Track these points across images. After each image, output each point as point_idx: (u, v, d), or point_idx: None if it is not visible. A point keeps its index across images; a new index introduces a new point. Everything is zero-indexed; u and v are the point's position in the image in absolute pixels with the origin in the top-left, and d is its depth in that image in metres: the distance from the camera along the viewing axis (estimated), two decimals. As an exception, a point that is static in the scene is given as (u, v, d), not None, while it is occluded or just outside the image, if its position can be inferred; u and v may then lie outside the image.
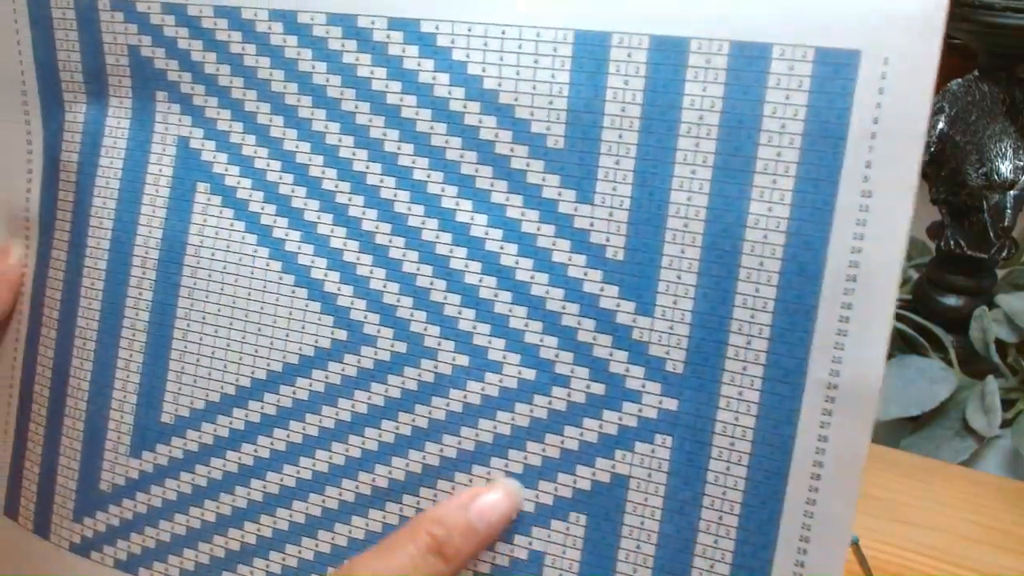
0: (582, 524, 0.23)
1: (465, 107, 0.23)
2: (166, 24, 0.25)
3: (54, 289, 0.28)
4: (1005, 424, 0.47)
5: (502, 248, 0.23)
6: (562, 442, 0.23)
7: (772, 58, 0.20)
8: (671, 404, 0.22)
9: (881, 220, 0.20)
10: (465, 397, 0.24)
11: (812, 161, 0.20)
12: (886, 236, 0.20)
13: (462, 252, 0.23)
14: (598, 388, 0.22)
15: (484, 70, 0.22)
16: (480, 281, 0.23)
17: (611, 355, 0.22)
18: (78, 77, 0.27)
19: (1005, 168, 0.46)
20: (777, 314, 0.21)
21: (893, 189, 0.19)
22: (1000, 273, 0.54)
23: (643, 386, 0.22)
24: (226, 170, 0.26)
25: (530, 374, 0.23)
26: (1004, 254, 0.50)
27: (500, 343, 0.23)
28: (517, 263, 0.23)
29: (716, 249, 0.21)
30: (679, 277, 0.21)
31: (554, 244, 0.22)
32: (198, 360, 0.26)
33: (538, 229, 0.23)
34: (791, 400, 0.21)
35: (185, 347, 0.26)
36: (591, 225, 0.22)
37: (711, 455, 0.22)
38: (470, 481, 0.24)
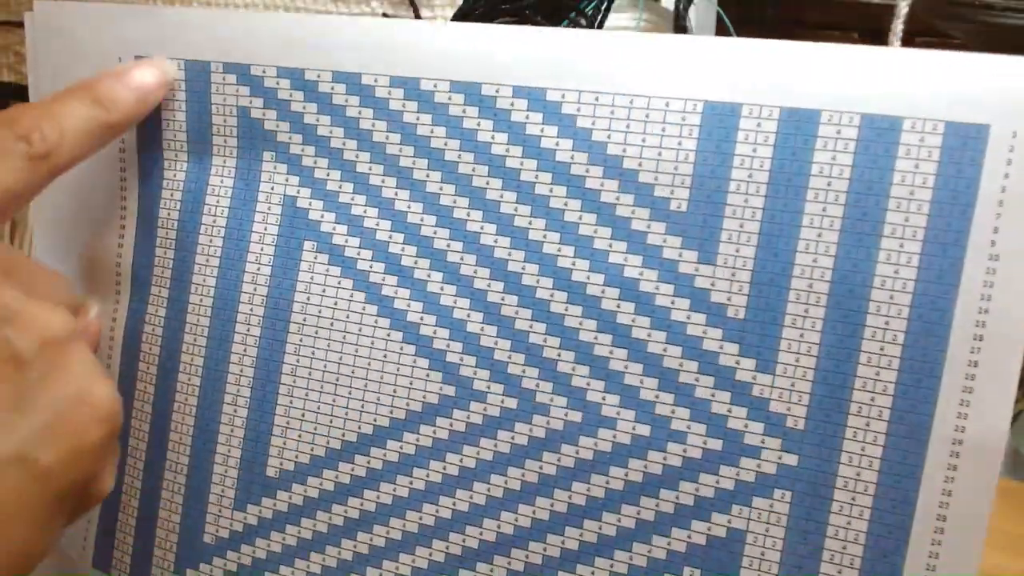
0: None
1: (587, 171, 0.21)
2: (280, 87, 0.24)
3: (151, 344, 0.25)
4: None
5: (619, 307, 0.21)
6: (677, 497, 0.21)
7: (902, 130, 0.19)
8: (791, 460, 0.20)
9: (1008, 282, 0.18)
10: (577, 452, 0.22)
11: (940, 226, 0.19)
12: (1013, 297, 0.18)
13: (577, 310, 0.22)
14: (715, 444, 0.21)
15: (609, 136, 0.21)
16: (595, 339, 0.22)
17: (729, 411, 0.21)
18: (181, 136, 0.25)
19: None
20: (902, 372, 0.19)
21: (1020, 253, 0.18)
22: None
23: (762, 442, 0.20)
24: (334, 229, 0.24)
25: (645, 430, 0.21)
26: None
27: (614, 399, 0.21)
28: (633, 321, 0.21)
29: (841, 309, 0.20)
30: (802, 335, 0.20)
31: (673, 303, 0.21)
32: (303, 415, 0.24)
33: (657, 288, 0.21)
34: (915, 455, 0.19)
35: (291, 402, 0.24)
36: (712, 285, 0.21)
37: (831, 510, 0.20)
38: (581, 536, 0.22)
